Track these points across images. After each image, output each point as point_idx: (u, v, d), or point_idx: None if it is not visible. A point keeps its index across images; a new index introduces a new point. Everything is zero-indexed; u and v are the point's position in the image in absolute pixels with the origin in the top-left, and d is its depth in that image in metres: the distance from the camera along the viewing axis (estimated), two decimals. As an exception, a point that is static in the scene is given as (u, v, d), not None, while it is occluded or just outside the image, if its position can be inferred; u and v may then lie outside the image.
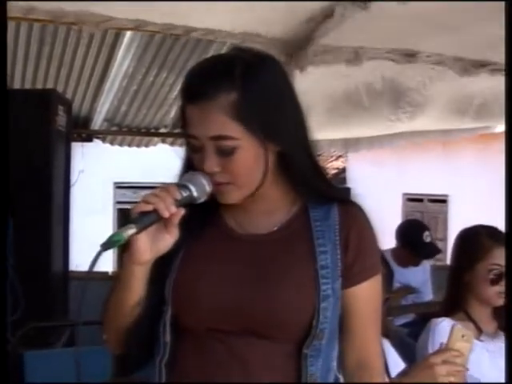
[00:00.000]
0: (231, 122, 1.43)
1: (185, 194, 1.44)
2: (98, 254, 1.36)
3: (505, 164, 1.77)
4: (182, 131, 1.52)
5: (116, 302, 1.52)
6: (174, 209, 1.41)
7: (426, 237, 4.79)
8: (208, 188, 1.47)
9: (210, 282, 1.49)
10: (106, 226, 9.72)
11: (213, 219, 1.55)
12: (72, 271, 4.80)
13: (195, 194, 1.45)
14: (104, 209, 11.29)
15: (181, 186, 1.46)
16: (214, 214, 1.56)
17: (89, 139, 6.55)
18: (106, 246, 1.36)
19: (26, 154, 4.18)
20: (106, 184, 11.59)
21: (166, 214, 1.40)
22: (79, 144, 6.40)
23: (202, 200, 1.47)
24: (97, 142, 6.69)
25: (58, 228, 4.55)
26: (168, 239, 1.45)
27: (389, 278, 2.42)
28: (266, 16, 3.51)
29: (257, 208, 1.55)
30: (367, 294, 1.56)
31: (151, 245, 1.43)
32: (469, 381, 2.56)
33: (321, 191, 1.55)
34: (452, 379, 2.08)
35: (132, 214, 1.41)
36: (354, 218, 1.55)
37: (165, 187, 1.44)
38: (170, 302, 1.50)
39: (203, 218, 1.53)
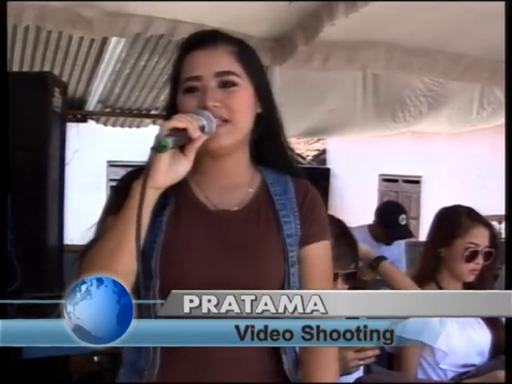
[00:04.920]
0: (235, 62, 1.53)
1: (200, 124, 1.42)
2: (151, 159, 1.36)
3: (505, 161, 1.77)
4: (173, 81, 1.55)
5: (117, 240, 1.38)
6: (199, 132, 1.41)
7: (402, 219, 4.80)
8: (214, 125, 1.46)
9: (196, 258, 1.48)
10: (99, 203, 9.68)
11: (186, 195, 1.54)
12: (67, 245, 4.78)
13: (206, 128, 1.43)
14: (97, 186, 11.24)
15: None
16: (186, 190, 1.54)
17: (83, 120, 6.52)
18: (156, 151, 1.34)
19: (24, 133, 4.14)
20: (99, 162, 11.55)
21: (195, 135, 1.39)
22: (74, 124, 6.38)
23: (205, 137, 1.44)
24: (91, 123, 6.66)
25: (54, 204, 4.53)
26: (185, 165, 1.42)
27: (355, 252, 2.41)
28: (249, 13, 3.49)
29: (224, 183, 1.57)
30: (317, 254, 1.61)
31: (169, 168, 1.39)
32: (437, 354, 2.59)
33: (284, 158, 1.63)
34: (361, 362, 2.17)
35: (163, 129, 1.37)
36: (307, 192, 1.61)
37: (187, 115, 1.43)
38: (159, 275, 1.46)
39: (177, 193, 1.51)
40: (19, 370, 3.34)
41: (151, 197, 1.39)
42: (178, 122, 1.39)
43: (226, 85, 1.50)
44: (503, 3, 1.67)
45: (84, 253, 1.44)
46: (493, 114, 5.33)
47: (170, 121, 1.40)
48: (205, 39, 1.54)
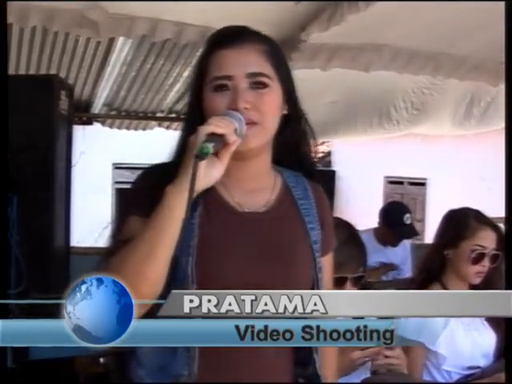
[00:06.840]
0: (266, 63, 1.50)
1: (233, 127, 1.40)
2: (195, 166, 1.33)
3: (505, 161, 1.77)
4: (198, 77, 1.51)
5: (151, 243, 1.36)
6: (235, 137, 1.39)
7: (407, 219, 4.79)
8: (244, 127, 1.43)
9: (232, 262, 1.46)
10: (104, 205, 9.70)
11: (212, 196, 1.51)
12: (73, 247, 4.79)
13: (238, 131, 1.41)
14: (103, 188, 11.23)
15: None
16: (210, 191, 1.49)
17: (89, 122, 6.54)
18: (200, 158, 1.32)
19: (30, 135, 4.16)
20: (105, 165, 11.54)
21: (231, 140, 1.38)
22: (80, 127, 6.37)
23: (239, 141, 1.42)
24: (97, 125, 6.68)
25: (60, 206, 4.53)
26: (220, 169, 1.40)
27: (363, 255, 2.39)
28: (254, 14, 3.49)
29: (250, 186, 1.55)
30: (331, 263, 1.65)
31: (205, 174, 1.37)
32: (438, 357, 2.58)
33: (306, 160, 1.62)
34: (367, 359, 2.15)
35: (200, 134, 1.35)
36: (323, 197, 1.63)
37: (221, 118, 1.40)
38: (195, 280, 1.43)
39: (203, 195, 1.47)
40: (25, 371, 3.35)
41: (187, 202, 1.35)
42: (216, 127, 1.36)
43: (257, 86, 1.47)
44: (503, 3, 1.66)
45: (109, 255, 1.40)
46: (495, 108, 5.32)
47: (206, 125, 1.37)
48: (233, 36, 1.51)
